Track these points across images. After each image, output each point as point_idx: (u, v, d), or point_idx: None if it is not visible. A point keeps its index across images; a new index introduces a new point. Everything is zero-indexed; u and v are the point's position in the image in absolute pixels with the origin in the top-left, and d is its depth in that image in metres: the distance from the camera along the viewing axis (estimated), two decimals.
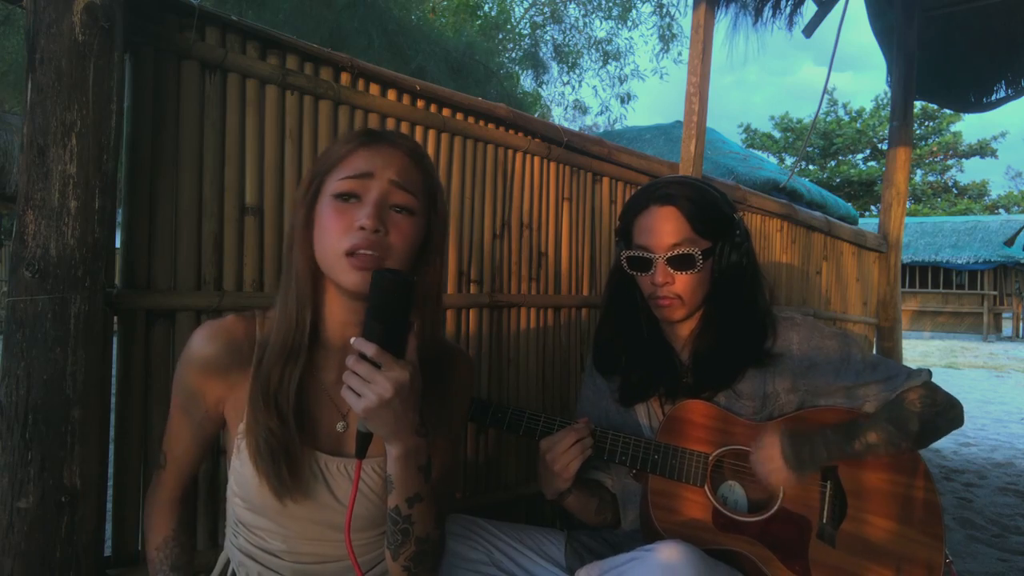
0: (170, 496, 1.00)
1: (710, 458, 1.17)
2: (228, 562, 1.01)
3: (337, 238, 0.87)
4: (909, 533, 1.15)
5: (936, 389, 1.21)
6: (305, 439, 0.92)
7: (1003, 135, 25.61)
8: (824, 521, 1.15)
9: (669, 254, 1.21)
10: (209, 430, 0.97)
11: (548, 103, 15.03)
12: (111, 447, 1.12)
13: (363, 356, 0.81)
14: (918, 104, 7.09)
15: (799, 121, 27.36)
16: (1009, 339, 16.34)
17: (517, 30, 13.32)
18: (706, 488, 1.16)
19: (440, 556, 0.99)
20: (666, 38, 13.43)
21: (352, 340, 0.82)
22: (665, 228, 1.22)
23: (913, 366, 1.25)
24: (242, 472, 0.91)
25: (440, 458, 1.00)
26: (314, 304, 0.93)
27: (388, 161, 0.90)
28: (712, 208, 1.24)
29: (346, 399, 0.82)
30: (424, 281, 0.95)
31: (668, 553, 0.96)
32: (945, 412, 1.18)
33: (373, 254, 0.86)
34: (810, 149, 26.08)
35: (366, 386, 0.80)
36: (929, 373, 1.22)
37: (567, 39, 13.61)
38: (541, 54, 13.02)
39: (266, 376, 0.89)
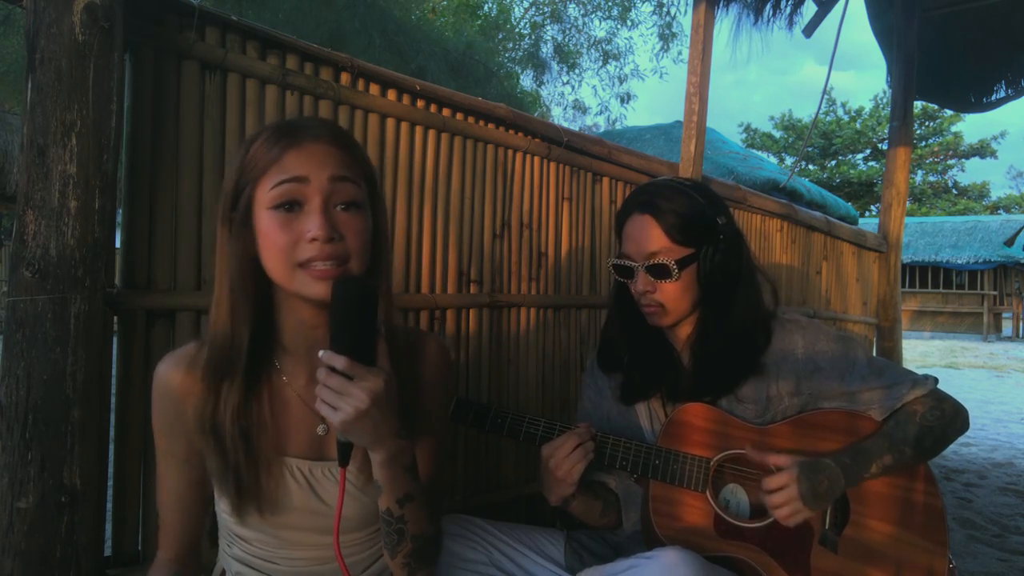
0: (166, 556, 0.95)
1: (711, 463, 1.17)
2: (224, 572, 0.99)
3: (288, 252, 0.82)
4: (912, 538, 1.14)
5: (943, 398, 1.20)
6: (277, 449, 0.91)
7: (1003, 135, 25.63)
8: (826, 527, 1.14)
9: (648, 263, 1.21)
10: (197, 465, 0.92)
11: (548, 103, 15.04)
12: (111, 447, 1.12)
13: (333, 369, 0.78)
14: (918, 104, 7.10)
15: (799, 121, 27.37)
16: (1009, 339, 16.32)
17: (517, 30, 13.31)
18: (707, 494, 1.15)
19: (438, 549, 0.98)
20: (666, 37, 13.43)
21: (320, 353, 0.79)
22: (643, 236, 1.22)
23: (914, 367, 1.24)
24: None
25: (426, 452, 0.98)
26: (260, 317, 0.89)
27: (322, 159, 0.83)
28: (691, 215, 1.21)
29: (322, 413, 0.80)
30: (382, 277, 0.91)
31: (669, 560, 0.95)
32: (953, 421, 1.18)
33: (333, 265, 0.83)
34: (810, 149, 26.08)
35: (340, 399, 0.78)
36: (935, 380, 1.21)
37: (567, 39, 13.61)
38: (541, 54, 13.01)
39: (202, 401, 0.85)
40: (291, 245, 0.82)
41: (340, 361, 0.78)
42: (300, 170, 0.82)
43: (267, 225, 0.83)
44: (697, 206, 1.22)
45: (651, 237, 1.21)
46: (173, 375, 0.89)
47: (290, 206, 0.82)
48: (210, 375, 0.86)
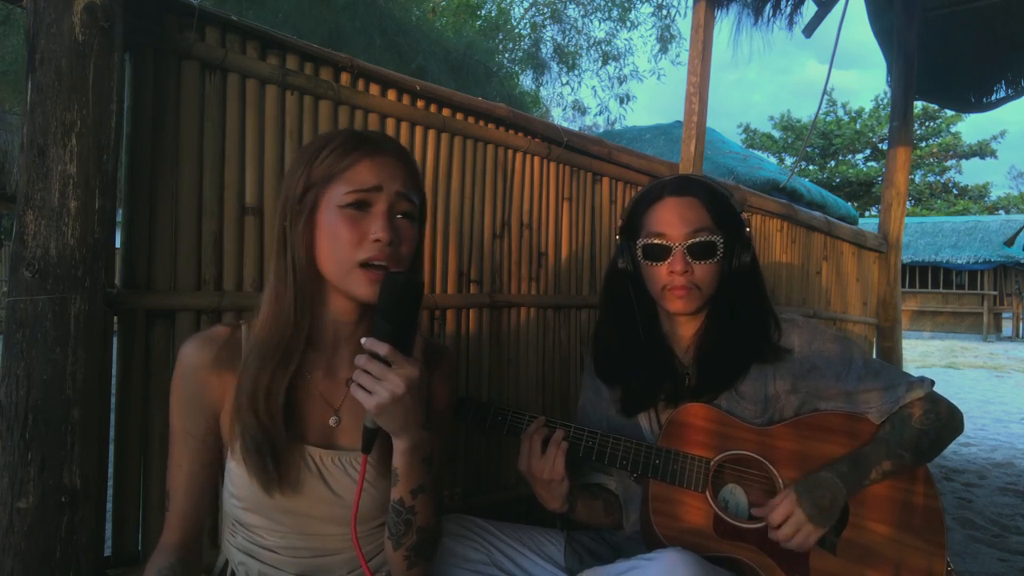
0: (170, 540, 0.94)
1: (711, 463, 1.17)
2: (227, 562, 1.01)
3: (352, 249, 0.89)
4: (910, 540, 1.14)
5: (938, 400, 1.21)
6: (296, 435, 0.93)
7: (1003, 134, 25.64)
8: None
9: (690, 241, 1.21)
10: (212, 446, 0.95)
11: (547, 103, 15.02)
12: (111, 447, 1.12)
13: (375, 356, 0.84)
14: (918, 104, 7.10)
15: (799, 121, 27.39)
16: (1009, 339, 16.32)
17: (517, 30, 13.31)
18: (707, 494, 1.15)
19: (438, 544, 1.01)
20: (665, 39, 13.42)
21: (363, 340, 0.85)
22: (686, 216, 1.22)
23: (914, 367, 1.25)
24: (236, 471, 0.92)
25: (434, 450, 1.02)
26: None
27: (393, 173, 0.92)
28: (726, 204, 1.27)
29: (357, 396, 0.85)
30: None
31: (670, 561, 0.95)
32: (948, 424, 1.19)
33: (387, 266, 0.90)
34: (810, 149, 26.09)
35: (378, 384, 0.83)
36: (931, 383, 1.22)
37: (567, 40, 13.60)
38: (541, 54, 13.01)
39: (254, 375, 0.89)
40: (356, 242, 0.89)
41: (383, 348, 0.84)
42: (374, 178, 0.91)
43: (334, 221, 0.90)
44: (728, 197, 1.29)
45: (695, 216, 1.22)
46: (201, 357, 0.93)
47: (360, 206, 0.90)
48: (266, 357, 0.90)
